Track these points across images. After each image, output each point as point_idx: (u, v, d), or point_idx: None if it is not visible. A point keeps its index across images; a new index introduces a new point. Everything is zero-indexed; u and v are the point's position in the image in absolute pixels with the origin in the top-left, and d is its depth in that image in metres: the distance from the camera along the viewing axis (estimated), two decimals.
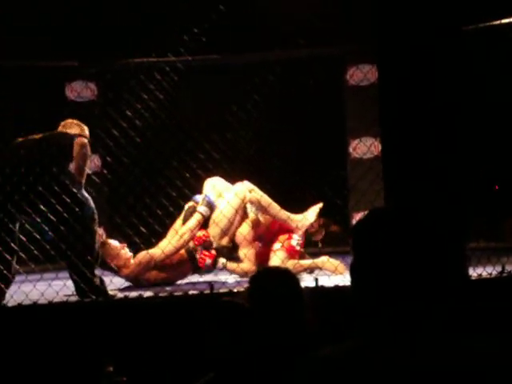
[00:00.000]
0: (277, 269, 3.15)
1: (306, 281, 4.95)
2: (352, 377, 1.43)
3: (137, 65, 7.18)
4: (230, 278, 5.76)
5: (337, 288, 4.71)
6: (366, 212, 1.61)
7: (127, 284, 5.61)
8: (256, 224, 5.80)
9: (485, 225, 7.03)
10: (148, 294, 4.90)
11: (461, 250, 1.55)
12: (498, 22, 6.38)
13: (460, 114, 5.06)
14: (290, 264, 5.75)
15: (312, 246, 7.79)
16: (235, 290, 4.86)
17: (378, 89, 6.55)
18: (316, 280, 4.81)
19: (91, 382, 3.04)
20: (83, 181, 5.11)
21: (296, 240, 5.94)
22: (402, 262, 1.50)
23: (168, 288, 5.37)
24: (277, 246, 5.89)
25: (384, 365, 1.42)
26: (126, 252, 5.64)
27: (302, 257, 6.04)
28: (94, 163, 7.93)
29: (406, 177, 4.73)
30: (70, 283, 4.96)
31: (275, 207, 5.88)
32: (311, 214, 6.02)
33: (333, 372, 1.45)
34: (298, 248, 5.94)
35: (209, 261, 5.65)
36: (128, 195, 5.94)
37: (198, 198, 5.81)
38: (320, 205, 6.06)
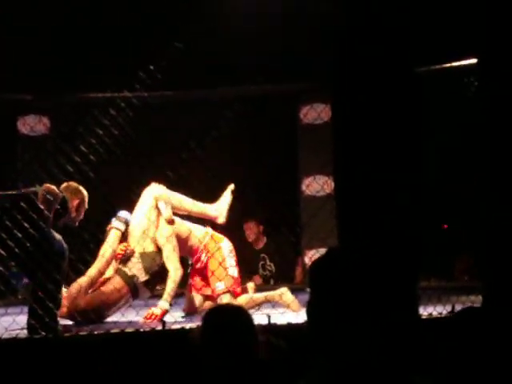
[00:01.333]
0: (230, 306, 3.13)
1: (258, 318, 4.94)
2: None
3: (91, 100, 7.17)
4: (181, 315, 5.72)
5: (290, 326, 4.71)
6: (318, 249, 1.63)
7: (71, 322, 5.51)
8: (171, 222, 5.78)
9: (436, 263, 7.10)
10: (98, 331, 4.85)
11: (413, 289, 1.58)
12: (449, 64, 6.51)
13: (412, 153, 5.13)
14: (243, 300, 5.73)
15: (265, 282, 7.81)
16: (187, 327, 4.83)
17: (332, 128, 6.63)
18: (268, 317, 4.81)
19: None
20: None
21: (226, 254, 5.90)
22: (356, 301, 1.51)
23: (119, 324, 5.31)
24: (220, 286, 5.85)
25: None
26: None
27: (243, 290, 6.01)
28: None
29: (359, 215, 4.77)
30: (19, 319, 4.88)
31: (188, 201, 5.90)
32: (226, 197, 6.03)
33: None
34: (234, 275, 5.87)
35: (156, 310, 5.59)
36: (81, 232, 5.89)
37: (113, 219, 5.84)
38: (231, 186, 6.06)
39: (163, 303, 5.60)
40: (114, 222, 5.78)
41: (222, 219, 6.01)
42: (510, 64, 4.83)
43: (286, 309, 5.62)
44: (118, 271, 5.72)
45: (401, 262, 1.56)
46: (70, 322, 5.43)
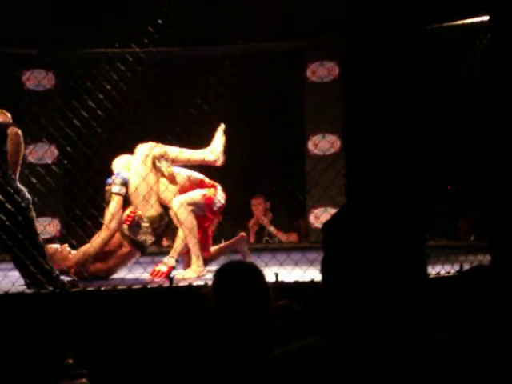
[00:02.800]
0: (242, 262, 3.13)
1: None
2: (311, 374, 1.43)
3: (97, 55, 7.11)
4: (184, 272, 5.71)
5: (297, 284, 4.71)
6: (326, 208, 1.61)
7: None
8: (173, 178, 5.71)
9: (442, 223, 7.10)
10: (106, 287, 4.86)
11: (421, 247, 1.57)
12: (461, 21, 6.44)
13: (421, 111, 5.10)
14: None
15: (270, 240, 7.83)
16: (194, 284, 4.84)
17: (341, 85, 6.60)
18: (276, 275, 4.80)
19: (51, 374, 3.00)
20: (18, 172, 4.98)
21: (218, 198, 5.85)
22: (369, 258, 1.50)
23: (127, 281, 5.32)
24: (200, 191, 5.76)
25: (342, 363, 1.43)
26: (69, 252, 5.58)
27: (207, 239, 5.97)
28: (49, 153, 7.86)
29: (367, 173, 4.75)
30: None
31: (185, 152, 5.82)
32: (219, 138, 5.95)
33: (294, 369, 1.45)
34: (215, 207, 5.81)
35: (162, 267, 5.57)
36: (88, 187, 5.86)
37: (110, 180, 5.71)
38: (222, 125, 5.99)
39: (170, 260, 5.60)
40: (114, 187, 5.61)
41: (220, 161, 5.95)
42: None
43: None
44: (124, 236, 5.67)
45: (409, 219, 1.55)
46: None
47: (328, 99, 7.83)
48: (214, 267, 5.86)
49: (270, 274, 4.91)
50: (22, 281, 4.82)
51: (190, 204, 5.61)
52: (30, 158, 7.76)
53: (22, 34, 7.38)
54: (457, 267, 4.94)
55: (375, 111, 4.83)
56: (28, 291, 4.67)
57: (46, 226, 7.58)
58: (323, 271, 1.57)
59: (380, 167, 4.80)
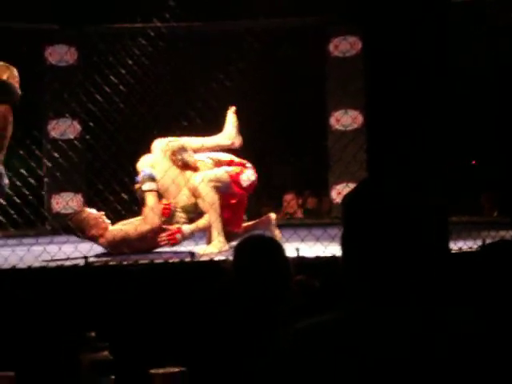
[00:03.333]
0: (262, 236, 3.12)
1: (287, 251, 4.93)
2: (331, 349, 1.44)
3: (120, 30, 7.11)
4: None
5: (318, 259, 4.72)
6: (348, 183, 1.60)
7: (105, 251, 5.58)
8: (196, 167, 5.70)
9: (464, 199, 7.07)
10: (128, 261, 4.89)
11: (444, 223, 1.56)
12: None
13: (442, 89, 5.06)
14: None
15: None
16: (216, 259, 4.85)
17: (363, 60, 6.56)
18: (297, 250, 4.81)
19: (73, 347, 3.03)
20: (4, 152, 4.94)
21: (247, 175, 5.82)
22: (389, 234, 1.50)
23: (149, 255, 5.35)
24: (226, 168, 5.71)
25: (362, 338, 1.43)
26: (103, 221, 5.60)
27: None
28: (72, 128, 7.89)
29: (389, 149, 4.74)
30: (50, 248, 4.93)
31: (200, 140, 5.78)
32: (231, 121, 5.90)
33: (313, 342, 1.45)
34: (244, 184, 5.76)
35: (178, 235, 5.58)
36: (110, 162, 5.88)
37: (138, 178, 5.72)
38: (233, 108, 5.93)
39: (186, 227, 5.58)
40: (145, 185, 5.59)
41: (237, 143, 5.92)
42: None
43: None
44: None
45: (431, 195, 1.54)
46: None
47: (350, 74, 7.79)
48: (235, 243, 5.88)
49: (291, 249, 4.93)
50: (45, 256, 4.86)
51: (212, 180, 5.61)
52: (53, 133, 7.78)
53: (44, 9, 7.39)
54: (479, 242, 4.92)
55: (397, 86, 4.80)
56: (51, 266, 4.71)
57: (69, 201, 7.61)
58: (343, 246, 1.57)
59: (402, 143, 4.78)
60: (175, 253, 5.36)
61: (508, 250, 2.40)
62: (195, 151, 5.77)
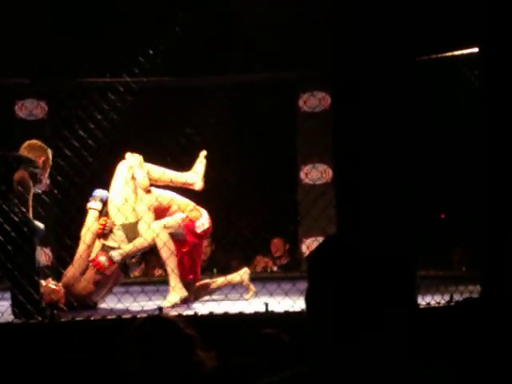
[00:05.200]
0: (158, 318, 2.94)
1: (256, 306, 4.92)
2: None
3: (89, 85, 7.13)
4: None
5: (287, 313, 4.70)
6: (317, 237, 1.61)
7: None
8: (148, 190, 5.74)
9: (434, 253, 7.09)
10: (95, 316, 4.84)
11: (411, 278, 1.56)
12: (450, 53, 6.48)
13: (411, 142, 5.10)
14: (205, 281, 5.79)
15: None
16: (184, 314, 4.81)
17: (331, 115, 6.58)
18: (266, 305, 4.80)
19: None
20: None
21: (201, 222, 5.82)
22: (355, 289, 1.50)
23: (116, 311, 5.29)
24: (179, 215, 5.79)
25: None
26: (54, 284, 5.58)
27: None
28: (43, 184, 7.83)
29: (357, 204, 4.75)
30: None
31: (167, 171, 5.92)
32: (200, 163, 6.05)
33: None
34: (200, 228, 5.80)
35: (102, 258, 5.61)
36: (78, 216, 5.88)
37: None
38: (204, 152, 6.08)
39: (115, 254, 5.60)
40: (91, 203, 5.79)
41: (199, 184, 6.04)
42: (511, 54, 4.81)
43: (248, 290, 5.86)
44: (103, 247, 5.71)
45: (399, 250, 1.54)
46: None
47: (319, 129, 7.85)
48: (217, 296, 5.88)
49: (260, 304, 4.91)
50: (10, 311, 4.80)
51: (167, 227, 5.66)
52: None
53: (14, 64, 7.40)
54: (447, 298, 4.93)
55: (365, 140, 4.83)
56: (16, 322, 4.65)
57: (38, 255, 7.52)
58: (306, 301, 1.56)
59: (370, 196, 4.79)
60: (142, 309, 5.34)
61: (476, 308, 2.41)
62: (162, 182, 5.87)
